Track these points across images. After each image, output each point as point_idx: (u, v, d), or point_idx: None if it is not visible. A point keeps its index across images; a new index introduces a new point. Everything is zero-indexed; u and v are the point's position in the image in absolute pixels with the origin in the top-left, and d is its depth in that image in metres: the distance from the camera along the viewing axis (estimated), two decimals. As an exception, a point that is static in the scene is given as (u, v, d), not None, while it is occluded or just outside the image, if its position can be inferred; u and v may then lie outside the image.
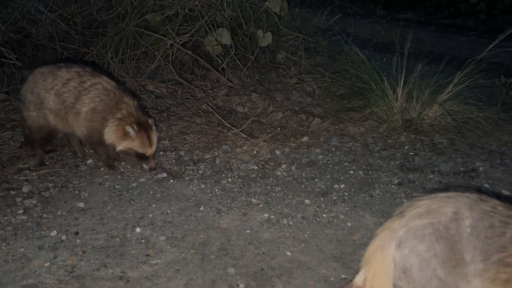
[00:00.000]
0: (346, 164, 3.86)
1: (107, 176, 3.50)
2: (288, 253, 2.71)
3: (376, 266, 1.92)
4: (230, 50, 5.19)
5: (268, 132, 4.35)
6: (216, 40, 5.19)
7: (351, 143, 4.22)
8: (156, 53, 4.97)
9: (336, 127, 4.57)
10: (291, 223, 3.02)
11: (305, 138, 4.28)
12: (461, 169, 3.75)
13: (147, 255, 2.62)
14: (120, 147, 3.45)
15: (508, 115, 4.74)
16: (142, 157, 3.47)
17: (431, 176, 3.61)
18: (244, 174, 3.63)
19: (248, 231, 2.90)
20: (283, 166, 3.78)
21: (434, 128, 4.39)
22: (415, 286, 1.82)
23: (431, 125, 4.41)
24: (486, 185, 3.48)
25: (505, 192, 3.38)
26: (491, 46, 4.32)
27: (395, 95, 4.54)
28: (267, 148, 4.07)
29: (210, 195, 3.30)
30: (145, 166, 3.50)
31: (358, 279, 1.99)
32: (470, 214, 1.79)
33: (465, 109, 4.42)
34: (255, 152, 3.98)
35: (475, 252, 1.73)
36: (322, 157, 3.96)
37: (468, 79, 4.41)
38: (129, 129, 3.34)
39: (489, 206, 1.81)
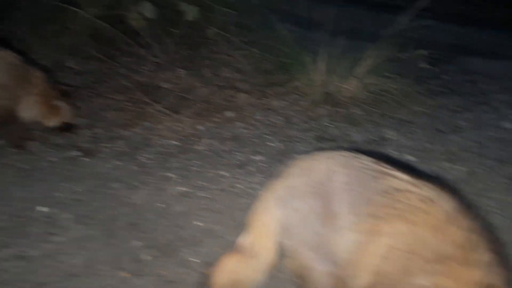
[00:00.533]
0: (266, 137, 3.94)
1: (15, 156, 3.34)
2: (200, 224, 2.76)
3: (259, 226, 2.00)
4: (155, 24, 5.04)
5: (193, 108, 4.33)
6: (139, 13, 5.01)
7: (274, 117, 4.30)
8: (74, 27, 4.73)
9: (261, 101, 4.63)
10: (206, 195, 3.06)
11: (230, 113, 4.31)
12: (372, 138, 3.96)
13: (51, 233, 2.56)
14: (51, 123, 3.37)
15: (423, 88, 5.01)
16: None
17: (344, 145, 3.79)
18: (163, 149, 3.61)
19: (162, 205, 2.91)
20: (204, 141, 3.80)
21: (353, 100, 4.58)
22: (296, 243, 1.92)
23: (350, 97, 4.59)
24: (394, 152, 3.71)
25: (409, 158, 3.62)
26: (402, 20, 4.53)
27: (316, 69, 4.66)
28: (190, 124, 4.05)
29: (124, 171, 3.26)
30: None
31: (242, 240, 2.05)
32: (343, 171, 1.90)
33: (382, 81, 4.63)
34: (177, 128, 3.96)
35: (346, 206, 1.84)
36: (244, 131, 4.02)
37: (384, 53, 4.61)
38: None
39: (362, 163, 1.92)
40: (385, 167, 1.94)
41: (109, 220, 2.73)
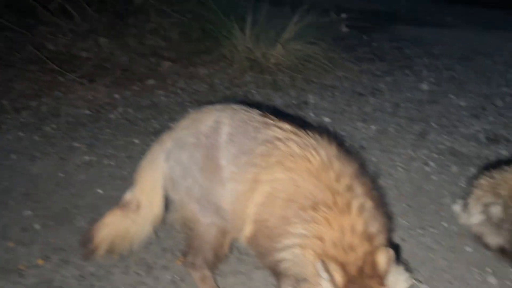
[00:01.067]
0: (188, 104, 3.85)
1: None
2: (101, 191, 2.66)
3: (145, 180, 1.95)
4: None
5: (111, 77, 4.14)
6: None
7: (198, 85, 4.21)
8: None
9: (187, 70, 4.51)
10: (113, 163, 2.95)
11: (151, 81, 4.17)
12: (294, 102, 3.97)
13: None
14: None
15: (350, 54, 5.06)
16: None
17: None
18: (72, 119, 3.44)
19: (62, 175, 2.78)
20: (119, 109, 3.65)
21: (278, 67, 4.55)
22: (181, 195, 1.88)
23: (276, 64, 4.56)
24: (312, 115, 3.74)
25: (326, 119, 3.66)
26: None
27: (242, 37, 4.58)
28: (105, 93, 3.88)
29: (26, 142, 3.08)
30: None
31: (128, 195, 2.00)
32: (229, 122, 1.87)
33: (307, 48, 4.63)
34: (90, 97, 3.78)
35: (230, 157, 1.82)
36: (165, 99, 3.90)
37: (310, 19, 4.59)
38: None
39: (248, 115, 1.90)
40: (270, 119, 1.93)
41: (2, 191, 2.57)
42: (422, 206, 2.62)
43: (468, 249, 2.30)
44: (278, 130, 1.86)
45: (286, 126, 1.89)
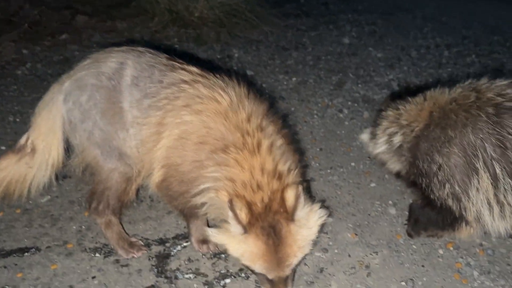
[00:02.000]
0: (104, 59, 3.66)
1: None
2: (4, 148, 2.49)
3: (42, 122, 1.83)
4: None
5: (19, 31, 3.81)
6: None
7: (116, 39, 3.99)
8: None
9: (104, 24, 4.26)
10: (18, 119, 2.77)
11: (64, 36, 3.90)
12: (218, 56, 3.91)
13: None
14: None
15: (278, 10, 5.01)
16: None
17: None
18: (-29, 76, 3.15)
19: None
20: (28, 65, 3.40)
21: (202, 20, 4.43)
22: (82, 140, 1.80)
23: (199, 17, 4.43)
24: (236, 68, 3.71)
25: (249, 72, 3.65)
26: None
27: (163, -12, 4.38)
28: (13, 48, 3.58)
29: None
30: None
31: (23, 139, 1.89)
32: (133, 65, 1.79)
33: (233, 2, 4.53)
34: (-6, 52, 3.47)
35: (133, 101, 1.75)
36: (78, 53, 3.67)
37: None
38: None
39: (154, 58, 1.83)
40: (177, 62, 1.88)
41: None
42: (333, 149, 2.74)
43: (373, 184, 2.45)
44: (185, 73, 1.81)
45: (193, 69, 1.85)
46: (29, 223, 2.05)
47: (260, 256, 1.56)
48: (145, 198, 2.25)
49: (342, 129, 2.95)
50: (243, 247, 1.56)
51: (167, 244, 1.99)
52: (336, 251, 2.00)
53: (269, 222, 1.55)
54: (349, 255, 1.97)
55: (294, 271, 1.69)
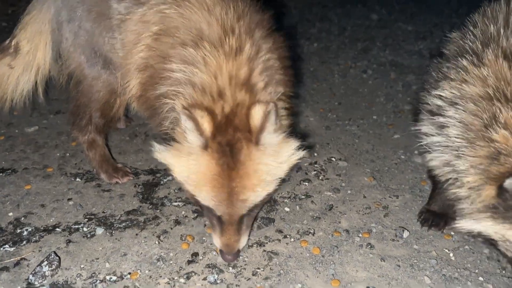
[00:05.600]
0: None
1: None
2: None
3: (29, 22, 1.68)
4: None
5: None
6: None
7: None
8: None
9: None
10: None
11: None
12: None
13: None
14: None
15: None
16: None
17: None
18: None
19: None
20: None
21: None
22: (67, 44, 1.62)
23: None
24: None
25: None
26: None
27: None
28: None
29: None
30: None
31: (8, 40, 1.72)
32: None
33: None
34: None
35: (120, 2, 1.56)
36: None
37: None
38: None
39: None
40: None
41: None
42: (354, 104, 2.46)
43: (396, 136, 2.15)
44: None
45: None
46: (11, 148, 1.89)
47: (209, 181, 1.21)
48: (140, 134, 2.05)
49: (365, 87, 2.68)
50: (191, 168, 1.23)
51: (158, 175, 1.78)
52: (349, 191, 1.72)
53: (227, 139, 1.21)
54: (364, 196, 1.69)
55: (253, 217, 1.33)
